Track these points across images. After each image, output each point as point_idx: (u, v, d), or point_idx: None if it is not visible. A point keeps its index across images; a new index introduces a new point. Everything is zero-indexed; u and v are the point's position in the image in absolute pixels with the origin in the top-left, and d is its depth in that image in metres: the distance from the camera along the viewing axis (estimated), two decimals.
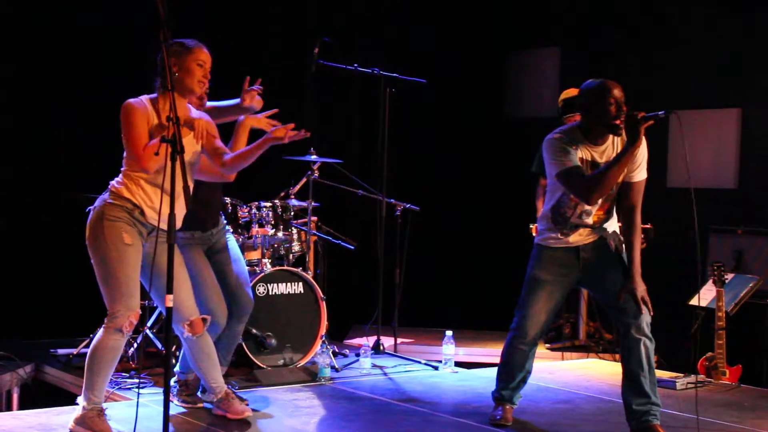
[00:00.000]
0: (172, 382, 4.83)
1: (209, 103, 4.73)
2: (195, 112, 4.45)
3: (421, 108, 8.46)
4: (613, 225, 4.57)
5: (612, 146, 4.41)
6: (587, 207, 4.44)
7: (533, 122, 8.43)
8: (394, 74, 6.51)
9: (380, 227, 6.60)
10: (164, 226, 3.82)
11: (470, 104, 8.91)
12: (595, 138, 4.39)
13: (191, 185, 4.18)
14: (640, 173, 4.41)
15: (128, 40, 7.04)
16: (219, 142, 4.45)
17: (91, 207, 4.27)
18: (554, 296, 4.60)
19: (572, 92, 6.83)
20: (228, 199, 5.82)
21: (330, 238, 6.57)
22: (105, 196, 4.25)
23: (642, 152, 4.36)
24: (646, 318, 4.40)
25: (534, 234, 4.81)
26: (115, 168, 4.36)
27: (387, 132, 6.58)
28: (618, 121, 4.28)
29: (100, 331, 4.19)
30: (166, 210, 3.73)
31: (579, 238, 4.52)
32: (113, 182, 4.29)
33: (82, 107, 6.99)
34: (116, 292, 4.14)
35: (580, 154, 4.37)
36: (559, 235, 4.52)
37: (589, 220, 4.49)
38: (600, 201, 4.41)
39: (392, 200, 6.73)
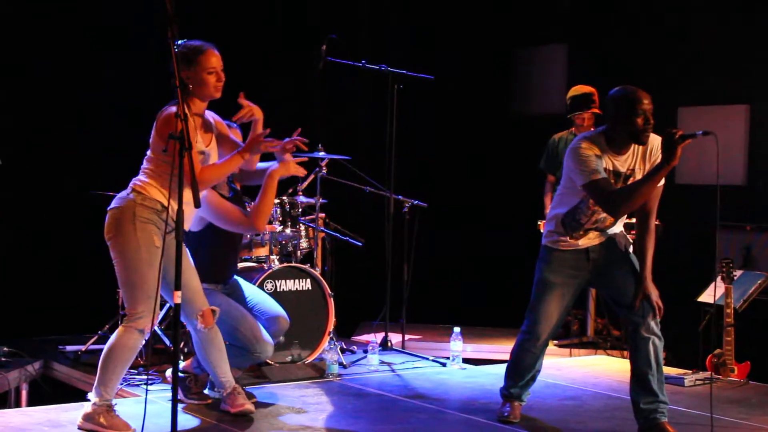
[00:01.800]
0: (181, 370, 4.83)
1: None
2: (209, 115, 4.46)
3: (427, 105, 8.44)
4: (620, 225, 4.56)
5: (632, 156, 4.35)
6: (603, 215, 4.42)
7: (540, 119, 8.42)
8: (402, 71, 6.50)
9: (388, 224, 6.60)
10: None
11: (477, 101, 8.89)
12: (618, 147, 4.31)
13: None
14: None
15: (128, 40, 7.04)
16: (233, 139, 4.50)
17: (113, 206, 4.23)
18: (565, 298, 4.58)
19: (580, 89, 6.83)
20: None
21: (338, 235, 6.56)
22: (131, 195, 4.19)
23: None
24: (654, 316, 4.39)
25: (542, 230, 4.78)
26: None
27: (395, 129, 6.57)
28: (645, 134, 4.22)
29: (120, 330, 4.19)
30: (184, 208, 3.71)
31: (588, 240, 4.51)
32: (137, 181, 4.24)
33: (82, 107, 6.99)
34: (142, 293, 4.14)
35: (603, 163, 4.29)
36: (568, 239, 4.51)
37: (603, 225, 4.48)
38: None
39: (400, 197, 6.73)
